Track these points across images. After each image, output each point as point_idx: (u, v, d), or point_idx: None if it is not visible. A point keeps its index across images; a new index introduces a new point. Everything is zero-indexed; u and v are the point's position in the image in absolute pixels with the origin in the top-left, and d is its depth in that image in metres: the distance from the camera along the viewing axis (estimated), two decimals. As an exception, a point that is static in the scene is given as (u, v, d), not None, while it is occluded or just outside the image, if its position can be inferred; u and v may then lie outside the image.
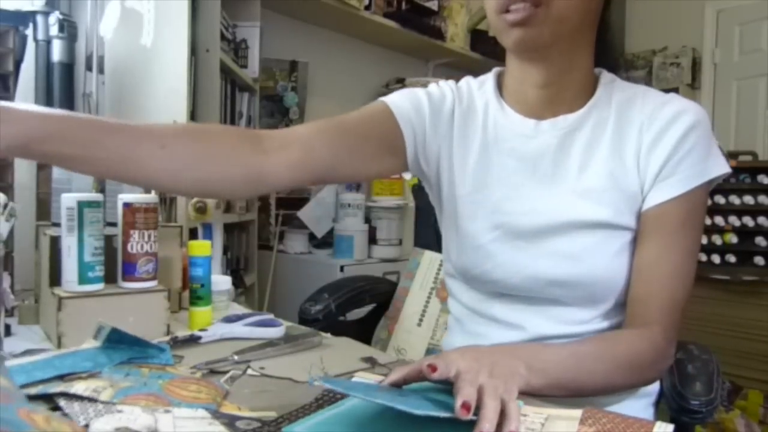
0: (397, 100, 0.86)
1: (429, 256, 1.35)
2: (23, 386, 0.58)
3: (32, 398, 0.57)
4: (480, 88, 0.89)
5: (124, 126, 0.68)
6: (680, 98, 0.79)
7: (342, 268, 2.19)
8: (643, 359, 0.73)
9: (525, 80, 0.82)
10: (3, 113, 0.59)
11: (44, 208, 1.04)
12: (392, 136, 0.85)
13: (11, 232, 0.81)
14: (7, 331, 0.84)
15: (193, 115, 1.58)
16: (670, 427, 0.53)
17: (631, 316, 0.77)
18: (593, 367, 0.70)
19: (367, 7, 2.57)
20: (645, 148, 0.77)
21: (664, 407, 0.86)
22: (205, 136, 0.74)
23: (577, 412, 0.57)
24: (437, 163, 0.88)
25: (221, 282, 1.00)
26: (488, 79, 0.89)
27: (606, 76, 0.84)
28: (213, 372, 0.71)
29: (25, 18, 1.35)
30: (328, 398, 0.63)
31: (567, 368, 0.68)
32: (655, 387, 0.86)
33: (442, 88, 0.90)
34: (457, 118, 0.87)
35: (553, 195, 0.80)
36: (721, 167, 0.76)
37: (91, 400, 0.57)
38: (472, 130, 0.86)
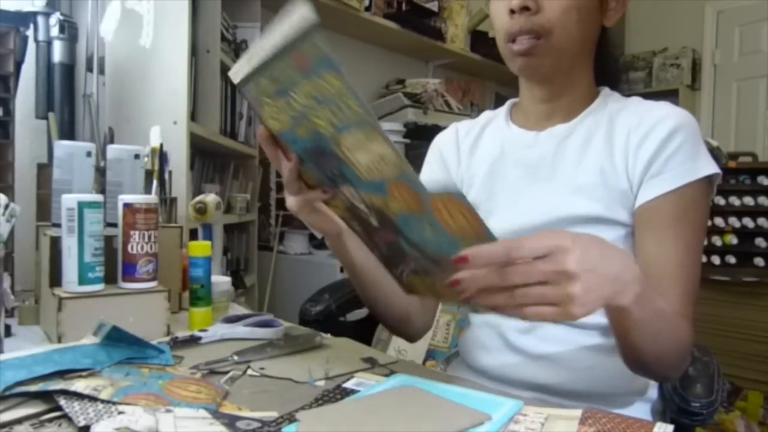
0: (428, 172, 1.00)
1: (429, 257, 1.35)
2: (23, 382, 0.58)
3: (32, 396, 0.57)
4: (495, 116, 0.99)
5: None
6: (669, 105, 0.84)
7: (342, 269, 2.18)
8: (688, 340, 0.75)
9: (530, 97, 0.92)
10: None
11: (44, 209, 1.04)
12: None
13: (11, 233, 0.81)
14: (7, 331, 0.84)
15: (193, 116, 1.58)
16: (670, 427, 0.53)
17: None
18: (662, 327, 0.69)
19: (368, 8, 2.57)
20: (632, 147, 0.82)
21: (659, 409, 0.86)
22: None
23: (577, 412, 0.57)
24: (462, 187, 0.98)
25: (221, 282, 1.00)
26: (504, 107, 0.99)
27: (606, 92, 0.91)
28: (213, 372, 0.71)
29: (25, 19, 1.35)
30: (328, 398, 0.63)
31: (655, 317, 0.67)
32: (654, 391, 0.86)
33: (445, 135, 1.02)
34: (465, 146, 0.98)
35: (551, 194, 0.85)
36: (710, 167, 0.79)
37: (91, 398, 0.57)
38: (481, 150, 0.96)
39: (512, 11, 0.81)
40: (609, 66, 0.93)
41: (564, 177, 0.85)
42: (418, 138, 2.68)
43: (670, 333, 0.71)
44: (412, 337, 0.99)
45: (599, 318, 0.81)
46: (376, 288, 0.88)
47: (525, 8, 0.80)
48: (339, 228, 0.78)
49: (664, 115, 0.81)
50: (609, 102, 0.88)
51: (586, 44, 0.86)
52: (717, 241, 2.16)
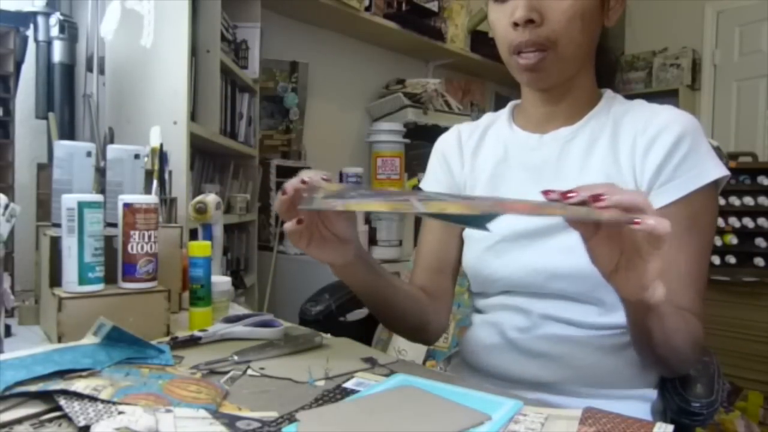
0: (432, 183, 1.00)
1: (429, 257, 1.35)
2: (23, 382, 0.58)
3: (32, 396, 0.57)
4: (497, 118, 0.99)
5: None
6: (673, 108, 0.84)
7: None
8: (701, 336, 0.77)
9: (533, 99, 0.91)
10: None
11: (45, 209, 1.04)
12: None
13: (11, 233, 0.81)
14: (8, 331, 0.84)
15: (193, 116, 1.58)
16: (670, 427, 0.53)
17: None
18: (681, 325, 0.73)
19: (368, 8, 2.57)
20: (639, 152, 0.81)
21: (659, 409, 0.86)
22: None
23: (577, 412, 0.57)
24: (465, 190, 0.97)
25: (221, 282, 1.00)
26: (505, 109, 0.99)
27: (609, 94, 0.90)
28: (213, 372, 0.71)
29: (25, 19, 1.34)
30: (328, 398, 0.63)
31: (676, 312, 0.71)
32: (654, 391, 0.86)
33: (447, 137, 1.01)
34: (468, 149, 0.98)
35: None
36: (719, 170, 0.79)
37: (91, 398, 0.57)
38: (484, 153, 0.96)
39: (516, 24, 0.80)
40: (606, 64, 0.93)
41: (568, 180, 0.84)
42: (418, 138, 2.68)
43: (687, 329, 0.74)
44: (429, 341, 1.00)
45: (598, 317, 0.82)
46: (390, 305, 0.88)
47: (529, 21, 0.79)
48: (345, 258, 0.77)
49: (670, 119, 0.81)
50: (613, 105, 0.88)
51: (589, 48, 0.86)
52: (717, 241, 2.16)
